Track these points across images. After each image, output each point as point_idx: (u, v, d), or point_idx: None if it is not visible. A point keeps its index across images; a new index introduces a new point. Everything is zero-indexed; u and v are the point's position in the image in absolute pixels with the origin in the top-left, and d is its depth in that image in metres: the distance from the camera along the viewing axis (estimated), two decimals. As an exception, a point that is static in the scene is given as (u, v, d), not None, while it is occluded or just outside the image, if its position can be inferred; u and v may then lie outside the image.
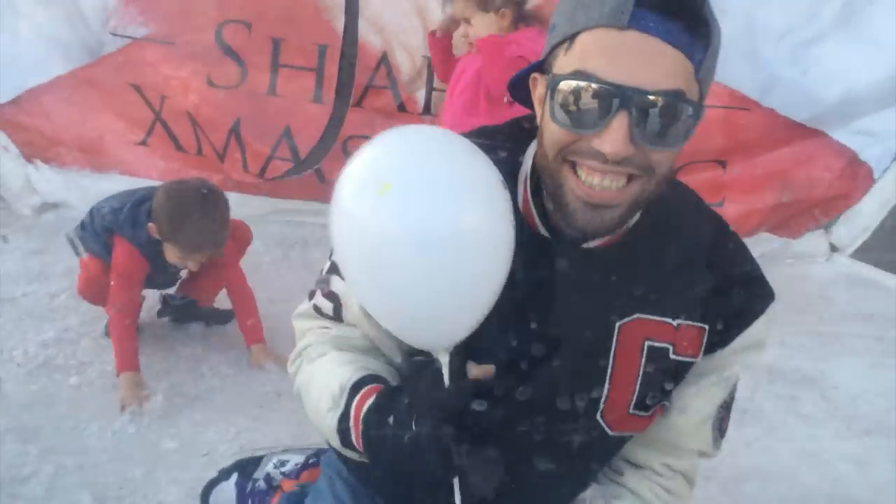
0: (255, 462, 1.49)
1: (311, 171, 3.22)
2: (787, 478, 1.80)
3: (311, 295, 1.10)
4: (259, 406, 1.97)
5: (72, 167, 3.36)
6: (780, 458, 1.87)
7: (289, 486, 1.40)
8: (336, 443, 0.97)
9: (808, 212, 3.34)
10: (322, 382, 1.00)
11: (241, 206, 3.28)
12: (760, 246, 3.40)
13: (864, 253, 3.26)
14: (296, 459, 1.47)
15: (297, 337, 1.12)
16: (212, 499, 1.50)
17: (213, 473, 1.49)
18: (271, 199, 3.29)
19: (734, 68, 3.19)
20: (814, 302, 2.95)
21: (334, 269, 1.06)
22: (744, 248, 0.98)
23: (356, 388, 0.95)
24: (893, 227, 3.20)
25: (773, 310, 0.94)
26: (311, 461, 1.47)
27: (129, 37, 3.12)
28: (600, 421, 0.94)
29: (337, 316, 1.06)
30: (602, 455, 1.00)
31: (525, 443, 0.95)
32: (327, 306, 1.07)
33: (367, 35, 3.12)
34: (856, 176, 3.28)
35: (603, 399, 0.93)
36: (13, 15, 3.18)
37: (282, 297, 2.73)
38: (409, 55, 3.17)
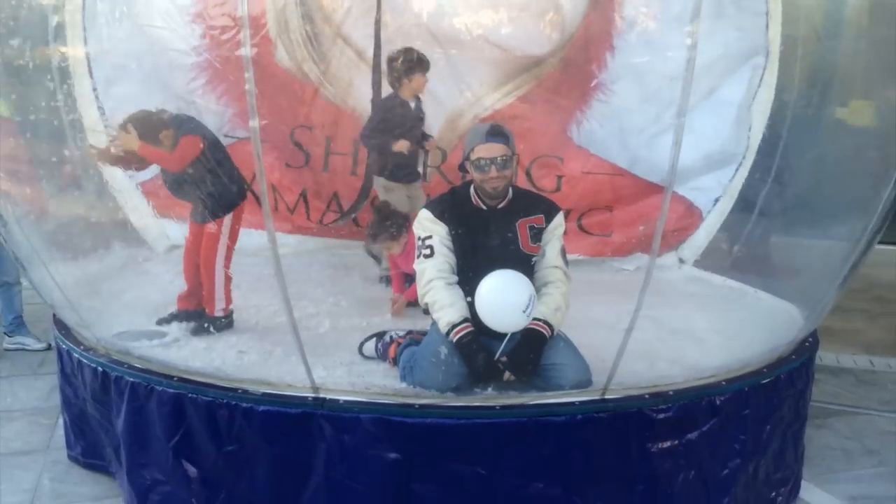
0: (384, 333, 3.26)
1: (350, 219, 5.02)
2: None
3: (418, 255, 2.91)
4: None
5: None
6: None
7: (400, 340, 3.16)
8: (443, 331, 2.81)
9: (664, 238, 5.22)
10: (439, 313, 2.84)
11: (303, 243, 5.07)
12: (637, 261, 5.27)
13: (699, 262, 5.18)
14: (403, 333, 3.24)
15: (419, 274, 2.92)
16: (363, 349, 3.25)
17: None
18: (324, 238, 5.06)
19: (614, 150, 5.10)
20: (666, 291, 4.81)
21: (428, 238, 2.88)
22: (548, 199, 3.02)
23: (454, 325, 2.78)
24: (713, 248, 5.12)
25: (560, 215, 2.92)
26: (411, 332, 3.24)
27: (236, 137, 4.90)
28: (522, 249, 2.86)
29: (432, 253, 2.87)
30: (529, 261, 2.90)
31: (507, 261, 2.82)
32: (427, 252, 2.88)
33: (386, 133, 4.97)
34: (692, 216, 5.17)
35: (520, 242, 2.85)
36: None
37: (337, 298, 4.40)
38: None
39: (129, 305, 3.78)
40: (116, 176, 4.82)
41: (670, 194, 2.70)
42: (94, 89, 4.84)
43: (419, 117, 4.47)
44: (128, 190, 4.85)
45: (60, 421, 3.92)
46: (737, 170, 5.06)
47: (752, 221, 4.85)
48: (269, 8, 4.83)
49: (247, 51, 2.32)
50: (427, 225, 2.91)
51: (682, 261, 5.27)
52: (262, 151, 4.89)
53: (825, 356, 5.21)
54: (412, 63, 4.24)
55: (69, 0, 4.57)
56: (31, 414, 4.13)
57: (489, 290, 2.75)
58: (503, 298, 2.73)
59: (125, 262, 4.37)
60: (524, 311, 2.71)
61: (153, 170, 4.81)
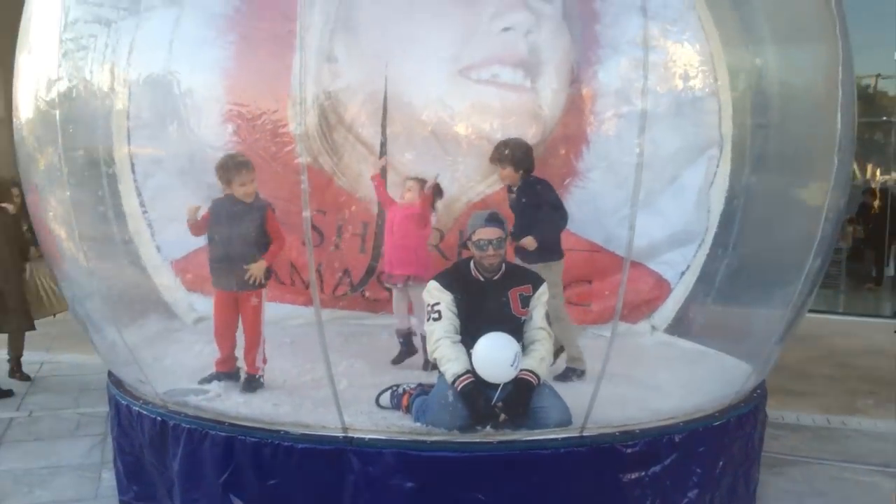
0: (397, 386, 3.84)
1: (358, 292, 5.65)
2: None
3: (427, 318, 3.55)
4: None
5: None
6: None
7: (412, 391, 3.75)
8: (449, 381, 3.42)
9: (638, 308, 5.90)
10: (446, 366, 3.46)
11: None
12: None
13: (669, 329, 5.82)
14: (414, 385, 3.83)
15: (429, 334, 3.55)
16: (380, 400, 3.83)
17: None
18: (335, 309, 5.67)
19: (592, 230, 5.80)
20: (641, 353, 5.44)
21: (437, 304, 3.52)
22: (535, 272, 3.69)
23: (458, 376, 3.40)
24: (679, 318, 5.77)
25: (545, 285, 3.57)
26: (421, 384, 3.82)
27: (259, 220, 5.56)
28: (514, 313, 3.49)
29: (440, 317, 3.51)
30: (519, 323, 3.51)
31: (501, 322, 3.46)
32: (436, 315, 3.51)
33: (390, 216, 5.66)
34: (661, 288, 5.84)
35: (511, 307, 3.47)
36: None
37: (351, 361, 5.00)
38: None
39: (176, 365, 4.36)
40: (152, 255, 5.47)
41: (627, 267, 3.37)
42: (136, 181, 5.52)
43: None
44: (161, 268, 5.47)
45: (104, 474, 4.48)
46: (699, 246, 5.75)
47: (713, 292, 5.52)
48: (289, 108, 5.58)
49: (303, 159, 3.01)
50: (435, 293, 3.54)
51: (654, 328, 5.91)
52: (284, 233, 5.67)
53: (787, 415, 5.85)
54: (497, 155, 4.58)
55: (118, 103, 5.29)
56: (75, 469, 4.65)
57: (482, 349, 3.40)
58: (494, 356, 3.38)
59: (166, 329, 4.96)
60: (511, 366, 3.35)
61: (186, 247, 5.49)
